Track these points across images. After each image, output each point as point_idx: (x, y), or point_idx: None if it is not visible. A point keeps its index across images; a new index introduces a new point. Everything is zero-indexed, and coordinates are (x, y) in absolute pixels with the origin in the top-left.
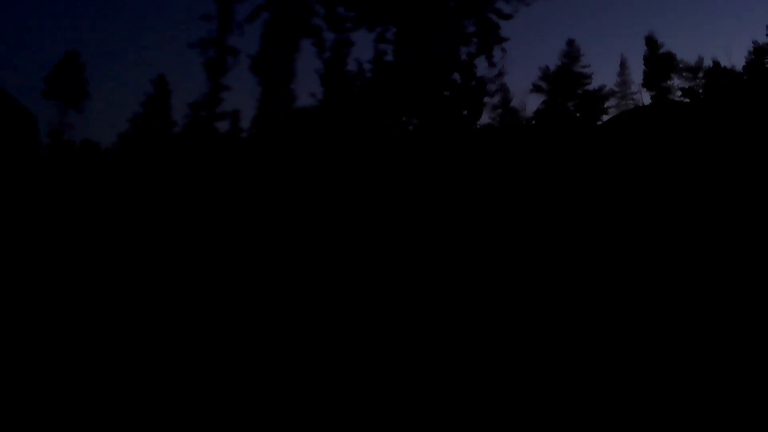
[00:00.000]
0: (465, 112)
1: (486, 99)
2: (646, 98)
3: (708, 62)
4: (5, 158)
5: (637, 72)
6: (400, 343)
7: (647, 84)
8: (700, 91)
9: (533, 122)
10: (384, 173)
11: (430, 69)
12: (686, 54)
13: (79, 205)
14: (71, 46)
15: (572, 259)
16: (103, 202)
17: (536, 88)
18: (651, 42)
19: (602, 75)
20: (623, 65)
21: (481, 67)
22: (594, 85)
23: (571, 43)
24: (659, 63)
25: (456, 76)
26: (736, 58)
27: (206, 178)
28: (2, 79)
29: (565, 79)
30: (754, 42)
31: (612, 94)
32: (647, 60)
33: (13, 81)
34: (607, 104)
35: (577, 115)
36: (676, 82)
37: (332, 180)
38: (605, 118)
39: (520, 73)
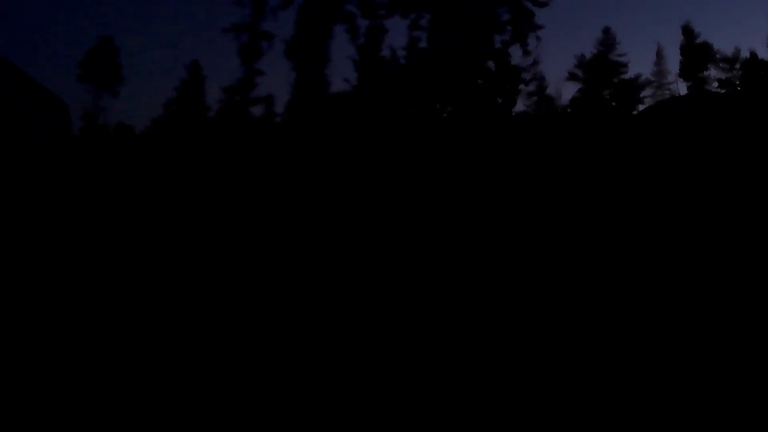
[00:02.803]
0: (499, 100)
1: (521, 87)
2: (682, 88)
3: (745, 53)
4: (36, 147)
5: (673, 62)
6: (412, 339)
7: (683, 74)
8: (737, 82)
9: (568, 110)
10: (417, 161)
11: (464, 56)
12: (723, 44)
13: (108, 189)
14: (105, 31)
15: (612, 252)
16: (135, 187)
17: (572, 76)
18: (687, 31)
19: (638, 64)
20: (659, 54)
21: (516, 55)
22: (630, 74)
23: (607, 31)
24: (696, 53)
25: (490, 64)
26: None
27: (240, 163)
28: (37, 66)
29: (600, 68)
30: None
31: (648, 83)
32: (683, 50)
33: (48, 67)
34: (642, 94)
35: (613, 104)
36: (713, 72)
37: (365, 167)
38: (641, 107)
39: (555, 61)
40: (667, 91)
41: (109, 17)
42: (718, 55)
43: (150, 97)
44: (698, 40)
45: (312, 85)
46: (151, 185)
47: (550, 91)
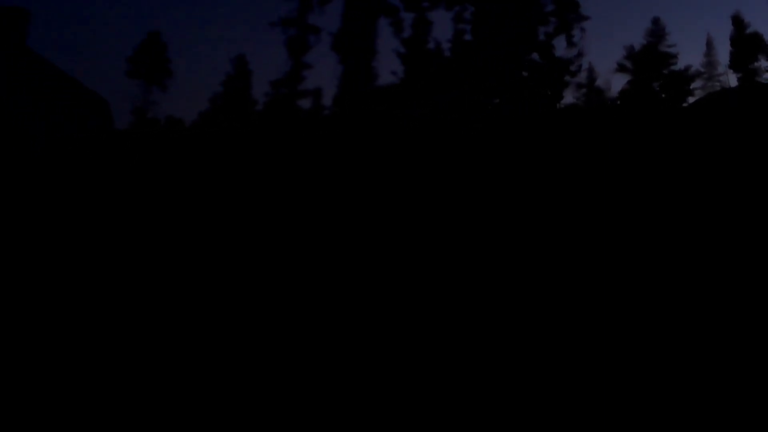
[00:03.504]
0: (549, 92)
1: (569, 78)
2: (732, 80)
3: None
4: (71, 142)
5: (723, 53)
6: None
7: (734, 65)
8: None
9: (618, 102)
10: (465, 154)
11: (508, 49)
12: None
13: (156, 181)
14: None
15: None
16: (181, 178)
17: (621, 68)
18: (737, 21)
19: (688, 55)
20: (709, 45)
21: (561, 46)
22: (680, 65)
23: (656, 21)
24: (746, 43)
25: (534, 55)
26: None
27: (288, 155)
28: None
29: (650, 59)
30: None
31: (698, 74)
32: (734, 40)
33: (97, 64)
34: (693, 85)
35: (663, 95)
36: (764, 63)
37: (412, 158)
38: (691, 99)
39: (604, 53)
40: (718, 83)
41: (156, 13)
42: None
43: (198, 92)
44: (748, 31)
45: (359, 78)
46: (198, 179)
47: (599, 82)
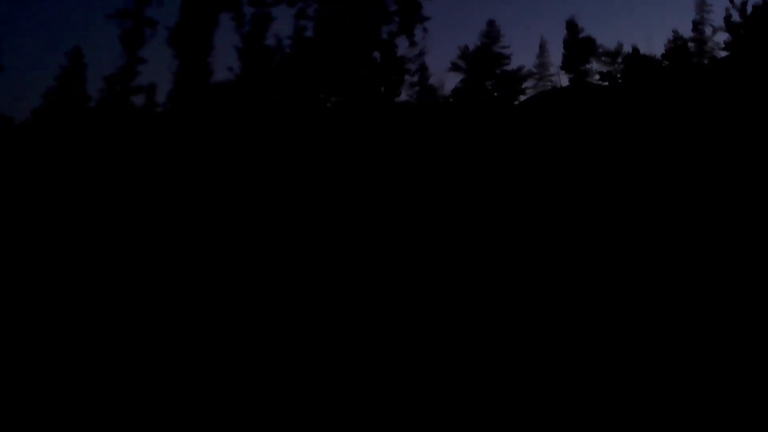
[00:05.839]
0: (383, 89)
1: (406, 77)
2: (564, 80)
3: (627, 48)
4: None
5: (556, 55)
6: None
7: (566, 67)
8: (618, 75)
9: (451, 100)
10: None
11: (350, 47)
12: (606, 40)
13: None
14: None
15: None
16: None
17: (455, 67)
18: (572, 26)
19: (522, 57)
20: (543, 47)
21: (403, 46)
22: (513, 65)
23: (491, 23)
24: (579, 47)
25: (376, 54)
26: (656, 47)
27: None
28: None
29: (483, 59)
30: (674, 31)
31: (530, 75)
32: (567, 43)
33: None
34: (524, 85)
35: (495, 94)
36: (595, 66)
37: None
38: (522, 98)
39: (439, 53)
40: (549, 83)
41: None
42: (600, 50)
43: (29, 87)
44: (582, 35)
45: (195, 74)
46: (25, 178)
47: (432, 81)
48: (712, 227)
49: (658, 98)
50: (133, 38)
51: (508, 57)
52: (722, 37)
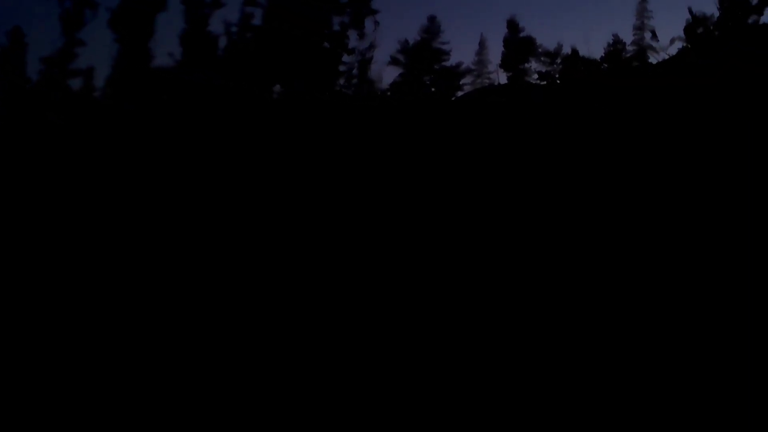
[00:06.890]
0: (323, 81)
1: (343, 68)
2: (502, 78)
3: (567, 49)
4: None
5: (495, 53)
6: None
7: (505, 65)
8: (557, 75)
9: (388, 93)
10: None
11: (300, 36)
12: (546, 40)
13: None
14: None
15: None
16: None
17: (394, 61)
18: (512, 25)
19: (461, 53)
20: (482, 45)
21: (353, 38)
22: (452, 62)
23: (432, 19)
24: (518, 46)
25: (326, 45)
26: (595, 49)
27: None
28: None
29: (423, 54)
30: (614, 35)
31: (469, 71)
32: (507, 42)
33: None
34: (463, 81)
35: (433, 89)
36: (534, 65)
37: (185, 144)
38: (460, 93)
39: (382, 48)
40: (487, 80)
41: None
42: (540, 50)
43: None
44: (522, 34)
45: (134, 59)
46: None
47: (371, 74)
48: (636, 227)
49: (590, 98)
50: (72, 19)
51: (447, 53)
52: (663, 42)
